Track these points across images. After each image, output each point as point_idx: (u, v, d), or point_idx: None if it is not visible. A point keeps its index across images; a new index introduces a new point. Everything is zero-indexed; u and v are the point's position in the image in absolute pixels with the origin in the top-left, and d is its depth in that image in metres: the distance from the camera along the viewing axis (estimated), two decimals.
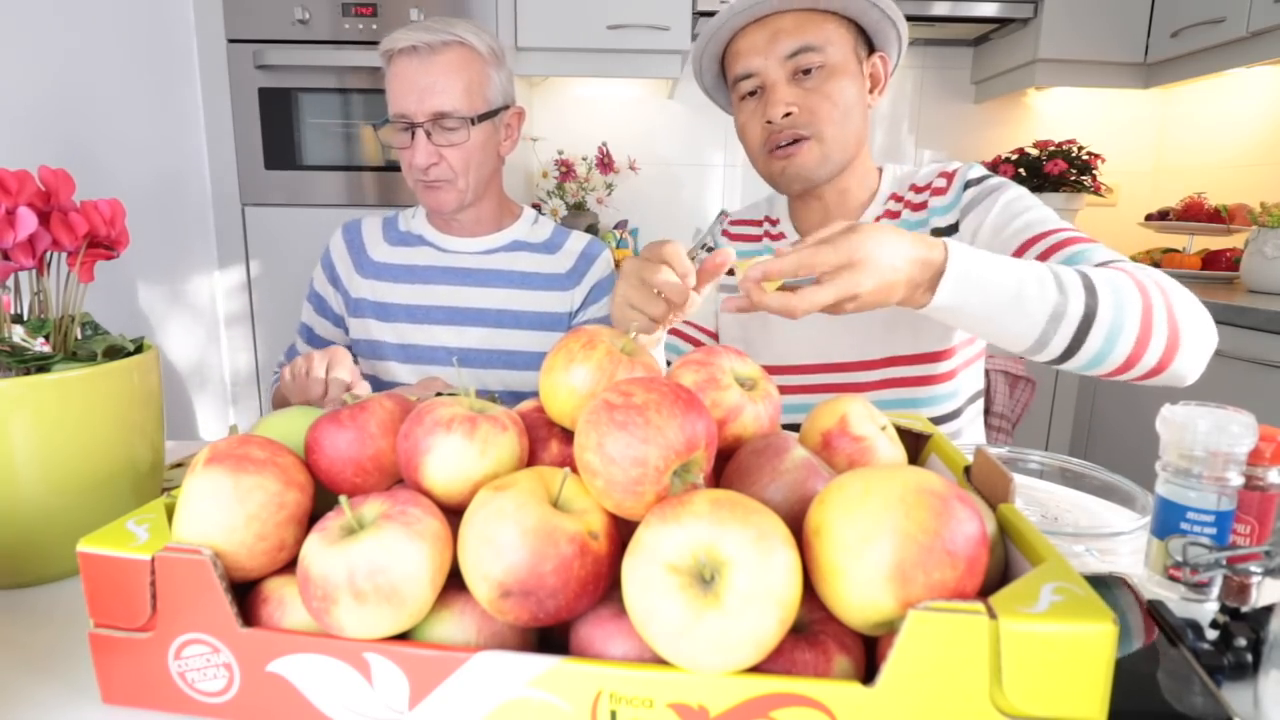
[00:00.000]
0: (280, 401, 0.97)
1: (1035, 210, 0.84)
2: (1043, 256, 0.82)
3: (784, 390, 0.95)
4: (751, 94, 0.90)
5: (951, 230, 0.89)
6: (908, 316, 0.90)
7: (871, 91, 0.92)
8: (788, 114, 0.86)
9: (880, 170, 0.99)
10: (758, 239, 1.06)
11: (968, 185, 0.90)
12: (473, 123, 0.98)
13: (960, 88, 2.38)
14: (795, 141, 0.88)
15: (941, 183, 0.92)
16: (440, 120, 0.97)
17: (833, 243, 0.60)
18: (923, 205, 0.92)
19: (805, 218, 1.00)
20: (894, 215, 0.95)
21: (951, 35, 2.26)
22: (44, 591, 0.53)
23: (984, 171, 0.91)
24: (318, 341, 1.15)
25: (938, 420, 0.96)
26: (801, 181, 0.91)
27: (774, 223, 1.05)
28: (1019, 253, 0.85)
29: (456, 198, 1.03)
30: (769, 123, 0.88)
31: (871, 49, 0.92)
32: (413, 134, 0.98)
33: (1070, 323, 0.66)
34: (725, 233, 1.08)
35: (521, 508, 0.36)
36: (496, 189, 1.10)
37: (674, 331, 1.07)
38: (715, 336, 1.09)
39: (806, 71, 0.86)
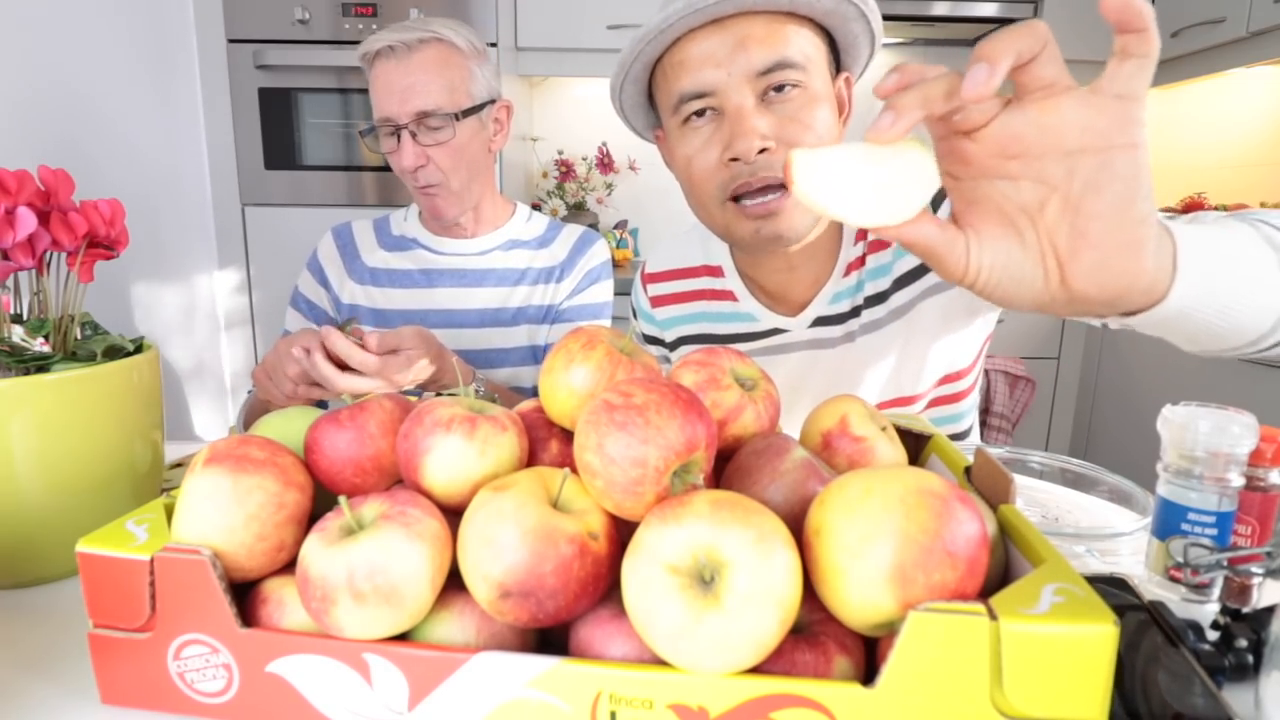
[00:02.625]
0: (253, 417, 0.95)
1: None
2: None
3: None
4: (698, 114, 0.70)
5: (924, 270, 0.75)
6: (954, 331, 0.78)
7: (839, 118, 0.74)
8: (763, 150, 0.66)
9: None
10: (695, 297, 0.88)
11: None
12: (457, 119, 0.97)
13: None
14: (765, 189, 0.68)
15: None
16: (424, 120, 0.96)
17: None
18: (887, 243, 0.77)
19: (764, 269, 0.82)
20: (875, 247, 0.79)
21: (951, 35, 2.26)
22: (43, 592, 0.52)
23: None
24: None
25: (959, 436, 0.89)
26: (782, 245, 0.71)
27: (716, 273, 0.87)
28: None
29: (454, 202, 1.02)
30: (734, 160, 0.68)
31: (838, 68, 0.75)
32: (398, 137, 0.98)
33: None
34: (654, 300, 0.93)
35: (521, 508, 0.36)
36: (490, 187, 1.10)
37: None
38: None
39: (779, 89, 0.67)
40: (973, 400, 0.89)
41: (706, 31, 0.67)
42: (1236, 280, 0.42)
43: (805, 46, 0.68)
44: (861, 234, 0.80)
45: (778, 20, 0.67)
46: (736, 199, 0.70)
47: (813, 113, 0.68)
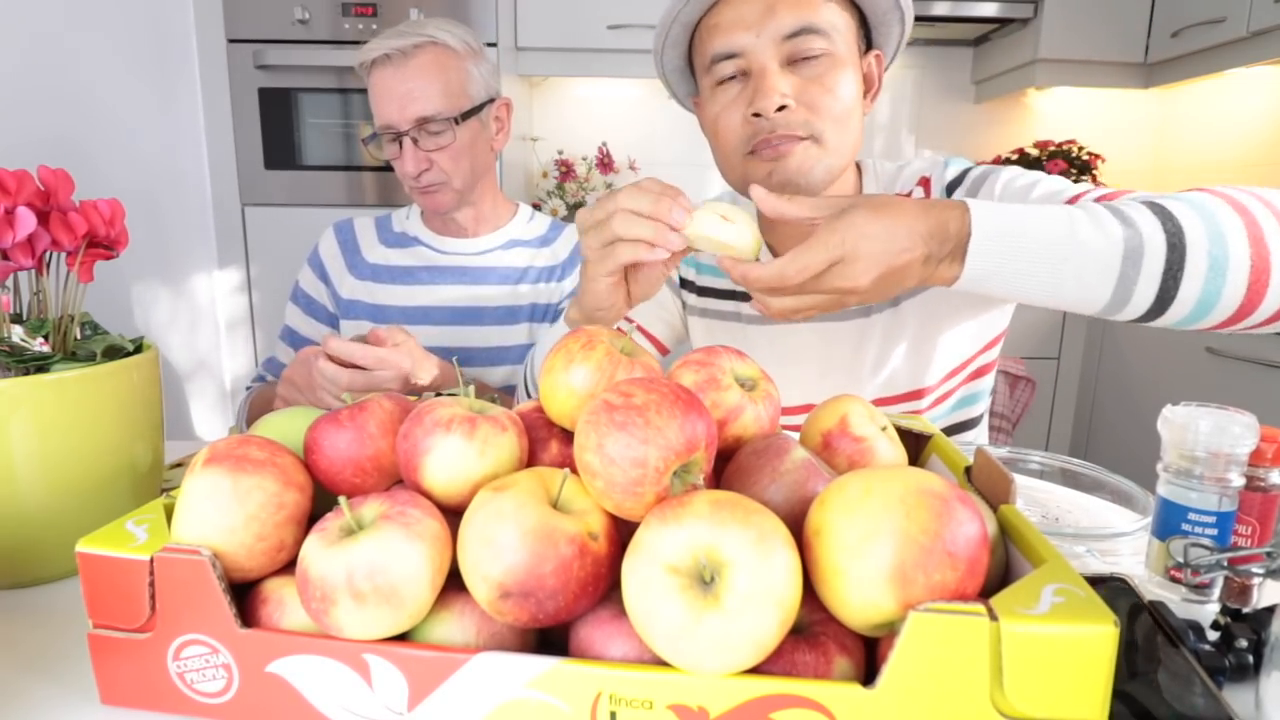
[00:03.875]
0: (256, 414, 0.95)
1: (1045, 182, 0.72)
2: None
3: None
4: (731, 78, 0.73)
5: None
6: (969, 315, 0.80)
7: (866, 94, 0.77)
8: (783, 107, 0.70)
9: (859, 169, 0.85)
10: None
11: (950, 188, 0.78)
12: (457, 122, 0.98)
13: (960, 88, 2.38)
14: (790, 140, 0.72)
15: (919, 193, 0.80)
16: (425, 125, 0.96)
17: (817, 242, 0.53)
18: None
19: (778, 234, 0.84)
20: None
21: (951, 35, 2.26)
22: (43, 592, 0.52)
23: (965, 164, 0.79)
24: (301, 344, 1.12)
25: (975, 421, 0.90)
26: (791, 190, 0.73)
27: None
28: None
29: (454, 198, 1.02)
30: (756, 116, 0.71)
31: (869, 45, 0.78)
32: (400, 143, 0.98)
33: (1153, 259, 0.53)
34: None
35: (521, 508, 0.36)
36: (491, 185, 1.10)
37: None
38: (665, 350, 0.96)
39: (806, 58, 0.71)
40: (990, 381, 0.90)
41: None
42: (1034, 267, 0.54)
43: (832, 16, 0.72)
44: None
45: None
46: (754, 151, 0.74)
47: (836, 78, 0.71)
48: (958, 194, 0.77)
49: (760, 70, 0.71)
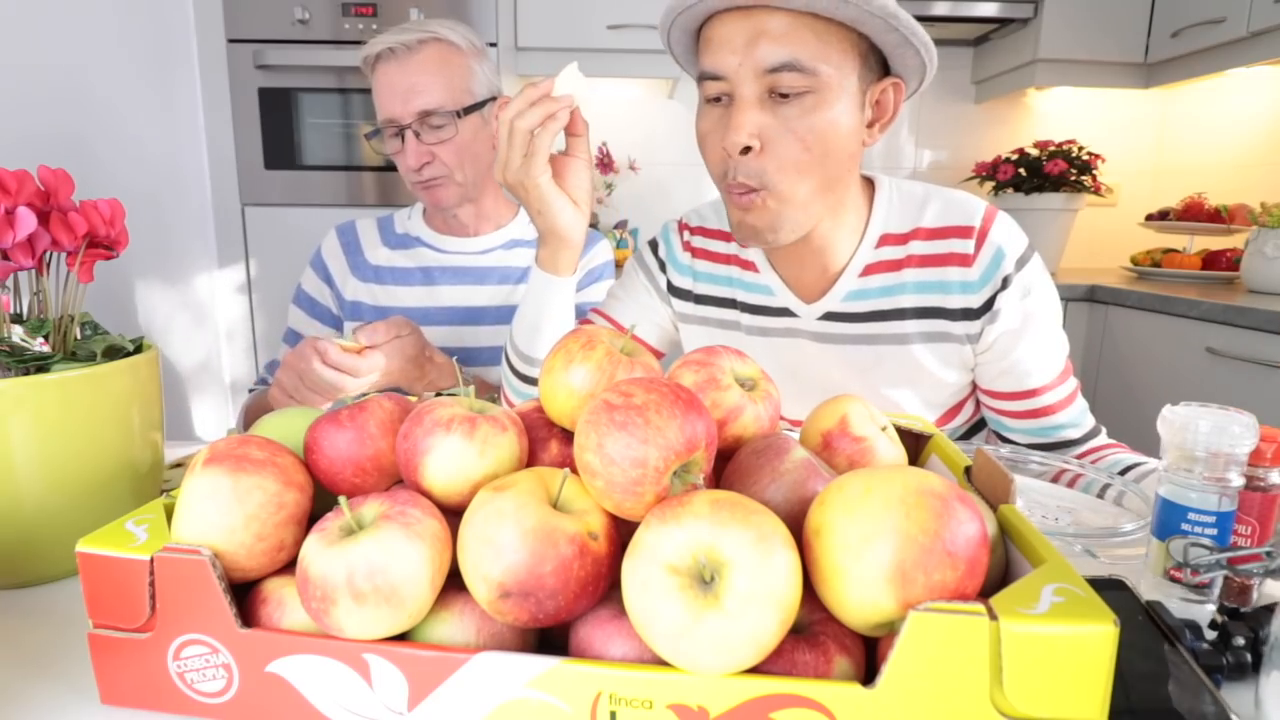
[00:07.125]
0: (254, 416, 0.96)
1: (1041, 352, 0.77)
2: (1013, 415, 0.80)
3: None
4: (718, 100, 0.71)
5: (966, 315, 0.77)
6: (953, 376, 0.81)
7: (873, 125, 0.73)
8: (748, 149, 0.69)
9: (871, 187, 0.81)
10: (725, 260, 0.88)
11: (1006, 280, 0.75)
12: (459, 116, 0.98)
13: (960, 88, 2.38)
14: (748, 191, 0.71)
15: (966, 246, 0.76)
16: (427, 118, 0.97)
17: None
18: (933, 261, 0.78)
19: (781, 260, 0.84)
20: (891, 267, 0.79)
21: (951, 35, 2.26)
22: (43, 591, 0.52)
23: (1022, 248, 0.76)
24: None
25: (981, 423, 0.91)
26: (762, 241, 0.74)
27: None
28: (993, 394, 0.81)
29: (457, 192, 1.03)
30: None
31: (886, 71, 0.74)
32: (402, 137, 0.98)
33: None
34: (687, 245, 0.91)
35: (521, 508, 0.36)
36: (493, 183, 1.10)
37: None
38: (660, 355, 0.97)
39: (785, 95, 0.68)
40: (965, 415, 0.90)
41: (733, 16, 0.68)
42: None
43: (826, 49, 0.67)
44: (887, 239, 0.80)
45: (803, 17, 0.66)
46: (728, 189, 0.74)
47: (812, 120, 0.68)
48: (1012, 298, 0.75)
49: (739, 101, 0.68)
